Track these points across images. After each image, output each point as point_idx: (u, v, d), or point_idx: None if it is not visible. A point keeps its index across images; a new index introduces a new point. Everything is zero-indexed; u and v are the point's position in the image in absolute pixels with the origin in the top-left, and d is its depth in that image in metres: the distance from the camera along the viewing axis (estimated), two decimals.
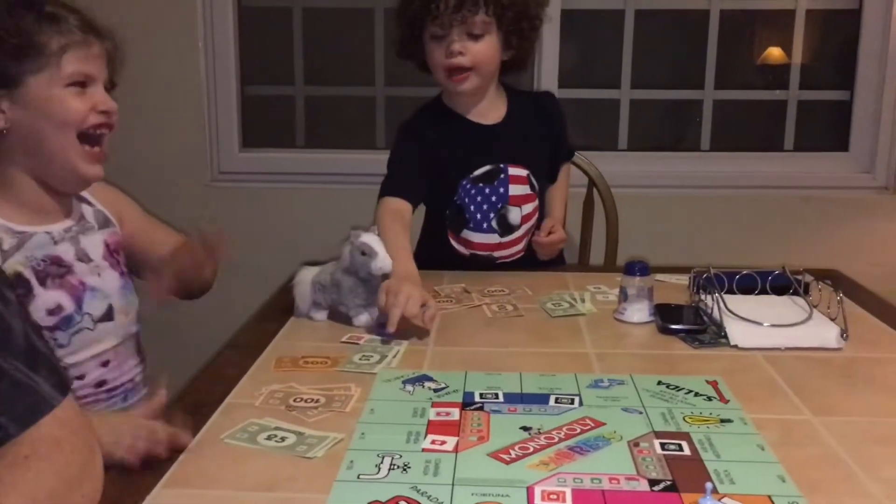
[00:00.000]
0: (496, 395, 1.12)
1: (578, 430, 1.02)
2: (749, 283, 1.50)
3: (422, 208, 1.80)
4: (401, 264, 1.45)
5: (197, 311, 1.53)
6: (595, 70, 2.75)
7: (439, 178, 1.74)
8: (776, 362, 1.25)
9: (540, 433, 1.01)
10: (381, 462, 0.93)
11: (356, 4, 2.69)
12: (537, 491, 0.87)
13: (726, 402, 1.10)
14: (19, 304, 0.77)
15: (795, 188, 2.56)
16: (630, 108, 2.66)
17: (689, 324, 1.39)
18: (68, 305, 1.23)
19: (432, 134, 1.75)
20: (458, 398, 1.11)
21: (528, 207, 1.78)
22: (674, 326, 1.38)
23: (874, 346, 1.33)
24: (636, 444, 0.98)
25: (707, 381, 1.17)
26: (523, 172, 1.77)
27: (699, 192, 2.57)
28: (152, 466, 0.92)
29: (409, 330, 1.35)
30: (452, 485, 0.89)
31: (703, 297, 1.45)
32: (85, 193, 1.34)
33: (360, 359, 1.26)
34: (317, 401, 1.10)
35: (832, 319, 1.37)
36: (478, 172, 1.75)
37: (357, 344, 1.33)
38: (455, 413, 1.07)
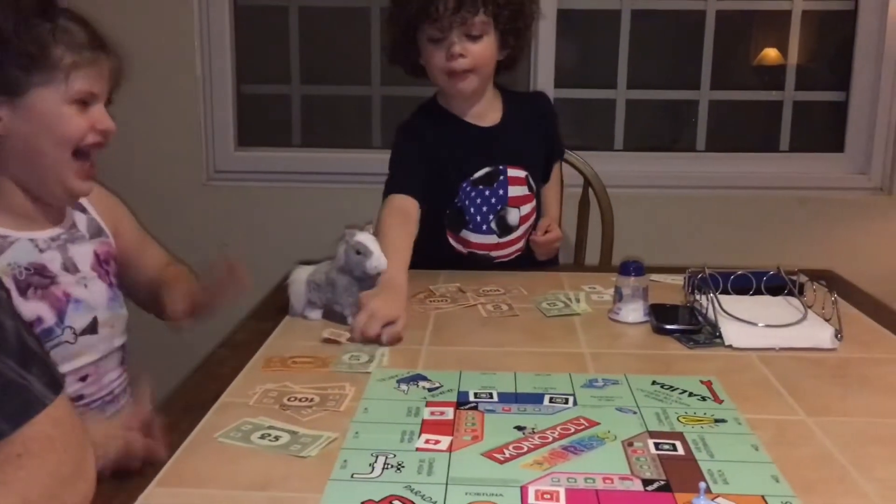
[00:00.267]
0: (490, 395, 1.12)
1: (572, 430, 1.02)
2: (744, 284, 1.50)
3: None
4: (388, 272, 1.41)
5: None
6: (591, 70, 2.75)
7: (439, 179, 1.73)
8: (771, 362, 1.25)
9: (534, 433, 1.01)
10: (375, 461, 0.93)
11: (352, 3, 2.68)
12: (531, 490, 0.87)
13: (720, 402, 1.10)
14: (10, 302, 0.77)
15: (791, 189, 2.57)
16: (626, 108, 2.66)
17: (683, 324, 1.39)
18: (49, 318, 1.20)
19: (432, 135, 1.75)
20: (453, 397, 1.11)
21: (527, 208, 1.79)
22: (668, 326, 1.38)
23: (868, 346, 1.33)
24: (630, 444, 0.98)
25: (701, 382, 1.17)
26: (522, 174, 1.78)
27: (695, 193, 2.57)
28: (122, 477, 0.90)
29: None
30: (446, 484, 0.89)
31: (698, 297, 1.45)
32: (83, 201, 1.33)
33: (349, 358, 1.26)
34: (311, 400, 1.10)
35: (827, 320, 1.37)
36: (478, 175, 1.75)
37: (338, 343, 1.33)
38: (449, 412, 1.07)
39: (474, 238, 1.77)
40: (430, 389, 1.14)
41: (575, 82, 2.62)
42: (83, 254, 1.28)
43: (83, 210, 1.34)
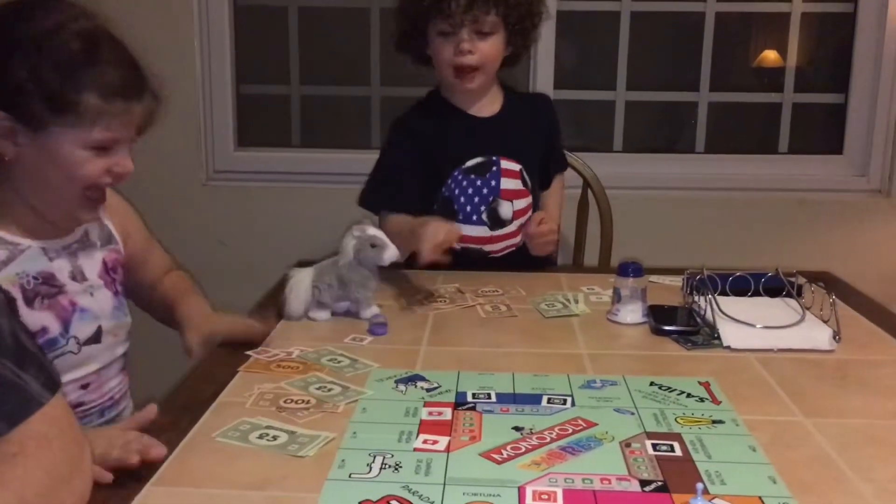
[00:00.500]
0: (489, 395, 1.12)
1: (570, 431, 1.02)
2: (742, 285, 1.50)
3: None
4: (411, 221, 1.59)
5: None
6: (590, 71, 2.75)
7: (432, 169, 1.75)
8: (769, 364, 1.25)
9: (532, 433, 1.01)
10: (373, 461, 0.93)
11: (352, 4, 2.69)
12: (528, 491, 0.87)
13: (718, 403, 1.11)
14: (7, 302, 0.77)
15: (790, 191, 2.57)
16: (625, 109, 2.66)
17: (682, 325, 1.39)
18: (54, 328, 1.19)
19: (424, 125, 1.76)
20: (451, 398, 1.11)
21: (521, 203, 1.79)
22: (667, 327, 1.39)
23: (866, 348, 1.34)
24: (628, 445, 0.98)
25: (699, 383, 1.17)
26: (516, 167, 1.78)
27: (694, 194, 2.57)
28: (121, 476, 0.90)
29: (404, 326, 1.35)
30: (444, 484, 0.89)
31: (696, 298, 1.46)
32: None
33: (328, 360, 1.25)
34: (307, 402, 1.10)
35: (825, 321, 1.37)
36: (470, 163, 1.75)
37: (361, 343, 1.33)
38: (447, 413, 1.07)
39: (466, 230, 1.75)
40: (428, 390, 1.14)
41: (574, 83, 2.63)
42: (92, 262, 1.27)
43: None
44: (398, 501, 0.85)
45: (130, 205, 1.42)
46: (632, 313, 1.44)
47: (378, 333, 1.37)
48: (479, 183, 1.75)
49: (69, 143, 1.11)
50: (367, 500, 0.85)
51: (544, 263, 1.86)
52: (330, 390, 1.14)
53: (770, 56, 2.71)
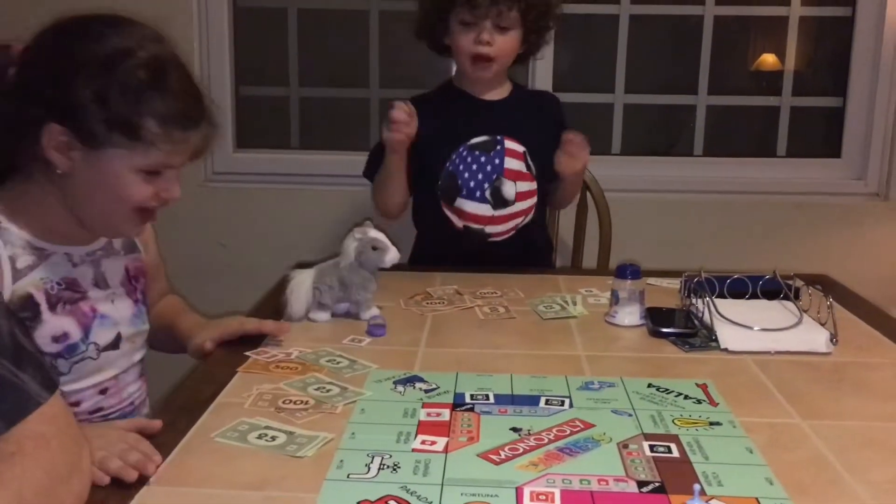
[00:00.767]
0: (487, 397, 1.13)
1: (568, 432, 1.02)
2: (740, 288, 1.51)
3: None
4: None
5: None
6: (589, 74, 2.75)
7: (437, 146, 1.81)
8: (766, 366, 1.26)
9: (530, 434, 1.01)
10: (371, 462, 0.94)
11: (351, 6, 2.69)
12: (526, 492, 0.87)
13: (716, 405, 1.11)
14: (3, 302, 0.77)
15: (788, 194, 2.57)
16: (624, 112, 2.67)
17: (679, 327, 1.40)
18: (75, 334, 1.19)
19: (430, 106, 1.82)
20: (449, 399, 1.12)
21: (524, 186, 1.82)
22: (664, 330, 1.39)
23: (863, 350, 1.34)
24: (625, 446, 0.98)
25: (697, 385, 1.18)
26: (520, 148, 1.83)
27: (692, 197, 2.57)
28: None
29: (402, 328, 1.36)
30: (442, 485, 0.89)
31: (694, 300, 1.46)
32: None
33: (326, 361, 1.25)
34: (306, 402, 1.10)
35: (822, 324, 1.37)
36: (475, 140, 1.81)
37: (360, 345, 1.34)
38: (445, 414, 1.07)
39: (469, 207, 1.80)
40: (426, 391, 1.14)
41: (573, 86, 2.63)
42: (115, 269, 1.27)
43: None
44: (396, 502, 0.86)
45: None
46: (630, 315, 1.44)
47: (377, 335, 1.37)
48: (483, 159, 1.79)
49: (121, 165, 1.11)
50: (366, 500, 0.86)
51: (542, 264, 1.87)
52: (328, 391, 1.14)
53: (768, 59, 2.72)
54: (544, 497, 0.87)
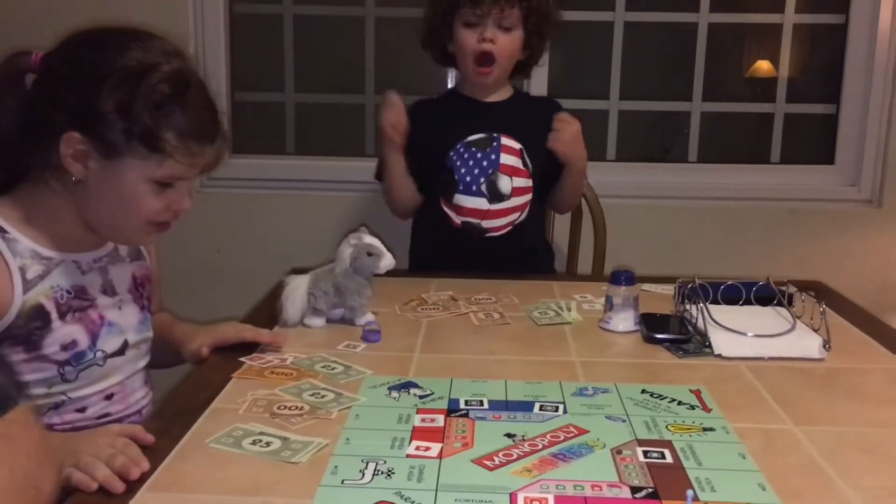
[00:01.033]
0: (481, 402, 1.13)
1: (562, 438, 1.02)
2: (734, 294, 1.51)
3: None
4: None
5: (185, 317, 1.53)
6: (584, 81, 2.76)
7: (436, 145, 1.85)
8: (759, 372, 1.26)
9: (524, 440, 1.01)
10: (366, 467, 0.94)
11: (347, 12, 2.70)
12: (520, 497, 0.88)
13: (709, 410, 1.11)
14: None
15: (781, 200, 2.58)
16: (619, 118, 2.68)
17: (673, 333, 1.40)
18: (83, 341, 1.19)
19: (431, 108, 1.89)
20: (444, 405, 1.12)
21: (520, 181, 1.86)
22: (659, 336, 1.39)
23: (856, 356, 1.35)
24: (619, 452, 0.99)
25: (691, 391, 1.18)
26: (517, 145, 1.87)
27: (686, 203, 2.58)
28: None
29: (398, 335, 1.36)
30: (436, 490, 0.89)
31: (688, 307, 1.46)
32: None
33: (321, 367, 1.26)
34: (301, 408, 1.11)
35: (815, 330, 1.38)
36: (472, 138, 1.86)
37: (355, 350, 1.34)
38: (440, 419, 1.07)
39: (466, 202, 1.84)
40: (421, 396, 1.15)
41: (568, 93, 2.64)
42: (122, 276, 1.28)
43: None
44: None
45: None
46: (624, 321, 1.44)
47: (372, 340, 1.38)
48: (479, 155, 1.84)
49: (136, 175, 1.13)
50: None
51: (538, 271, 1.88)
52: (323, 397, 1.14)
53: (763, 66, 2.73)
54: (538, 503, 0.87)
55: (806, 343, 1.34)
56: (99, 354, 1.21)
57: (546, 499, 0.87)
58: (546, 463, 0.96)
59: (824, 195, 2.60)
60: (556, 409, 1.11)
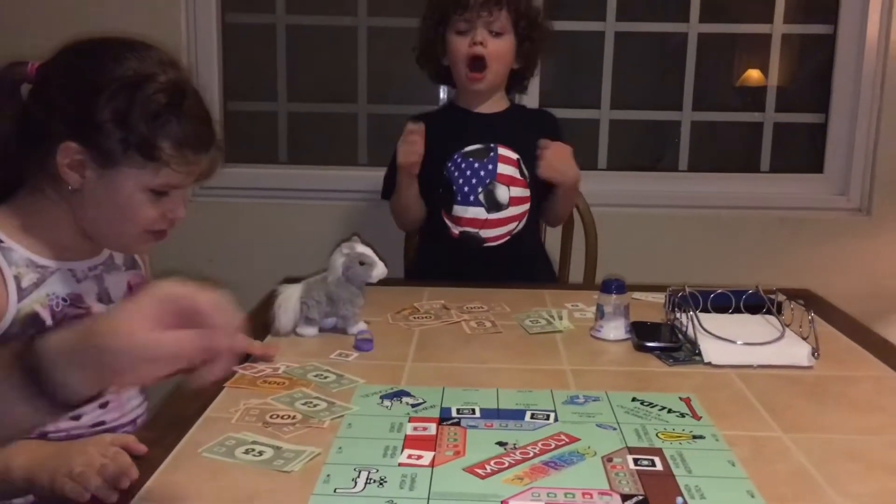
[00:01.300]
0: (473, 411, 1.13)
1: (553, 446, 1.03)
2: (723, 302, 1.52)
3: None
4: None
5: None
6: (575, 90, 2.78)
7: (435, 157, 1.87)
8: (749, 380, 1.27)
9: (515, 448, 1.02)
10: (358, 476, 0.94)
11: (339, 22, 2.71)
12: None
13: (699, 418, 1.12)
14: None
15: (771, 209, 2.60)
16: (609, 128, 2.69)
17: (664, 341, 1.41)
18: None
19: (427, 121, 1.89)
20: (436, 413, 1.12)
21: (517, 191, 1.89)
22: (649, 344, 1.40)
23: (844, 364, 1.36)
24: (609, 460, 0.99)
25: (681, 398, 1.19)
26: (514, 156, 1.90)
27: (677, 212, 2.60)
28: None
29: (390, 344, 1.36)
30: (428, 499, 0.90)
31: (678, 315, 1.47)
32: None
33: (314, 376, 1.26)
34: (293, 417, 1.11)
35: (804, 338, 1.39)
36: (469, 148, 1.89)
37: (347, 359, 1.34)
38: (432, 428, 1.08)
39: (464, 213, 1.88)
40: (413, 405, 1.15)
41: (559, 102, 2.65)
42: (117, 284, 1.28)
43: None
44: None
45: None
46: (615, 330, 1.45)
47: (364, 349, 1.38)
48: (476, 165, 1.87)
49: (132, 184, 1.13)
50: None
51: (533, 278, 1.90)
52: (316, 406, 1.15)
53: (753, 75, 2.76)
54: None
55: (795, 351, 1.35)
56: None
57: None
58: (537, 471, 0.96)
59: (814, 204, 2.62)
60: (548, 418, 1.11)
